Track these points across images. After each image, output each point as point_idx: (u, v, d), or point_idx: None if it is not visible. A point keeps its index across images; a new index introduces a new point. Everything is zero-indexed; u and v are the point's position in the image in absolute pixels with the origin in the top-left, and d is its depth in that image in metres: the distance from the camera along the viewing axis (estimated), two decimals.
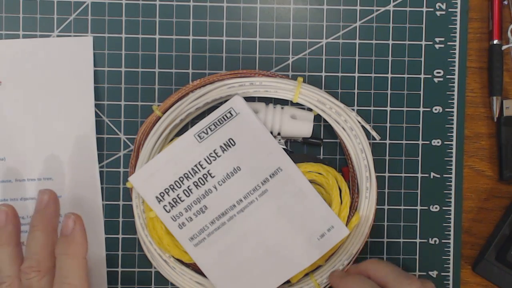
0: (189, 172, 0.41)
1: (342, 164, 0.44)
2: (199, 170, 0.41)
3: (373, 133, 0.43)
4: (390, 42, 0.44)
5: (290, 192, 0.41)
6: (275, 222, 0.41)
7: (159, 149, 0.42)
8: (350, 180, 0.43)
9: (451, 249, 0.45)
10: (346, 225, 0.42)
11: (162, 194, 0.41)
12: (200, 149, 0.41)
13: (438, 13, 0.44)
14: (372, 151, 0.43)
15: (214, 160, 0.41)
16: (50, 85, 0.43)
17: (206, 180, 0.41)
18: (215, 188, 0.41)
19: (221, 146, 0.41)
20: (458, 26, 0.44)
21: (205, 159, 0.41)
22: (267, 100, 0.43)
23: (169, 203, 0.41)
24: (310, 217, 0.41)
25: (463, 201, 0.45)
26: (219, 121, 0.41)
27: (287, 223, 0.41)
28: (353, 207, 0.42)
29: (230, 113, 0.41)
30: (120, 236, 0.44)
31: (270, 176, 0.41)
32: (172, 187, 0.41)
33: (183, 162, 0.41)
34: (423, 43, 0.44)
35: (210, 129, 0.41)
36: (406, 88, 0.44)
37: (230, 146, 0.41)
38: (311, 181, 0.42)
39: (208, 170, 0.41)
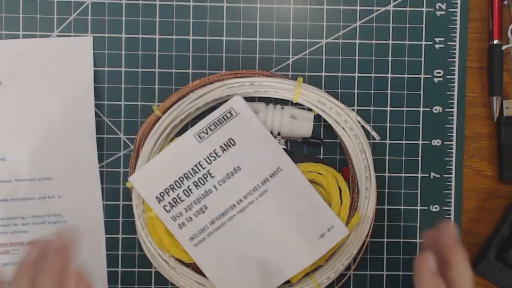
0: (189, 172, 0.41)
1: (342, 164, 0.44)
2: (199, 170, 0.41)
3: (373, 133, 0.43)
4: (390, 42, 0.44)
5: (290, 192, 0.41)
6: (275, 222, 0.41)
7: (159, 149, 0.42)
8: (350, 180, 0.43)
9: None
10: (346, 225, 0.42)
11: (162, 194, 0.41)
12: (200, 149, 0.41)
13: (438, 13, 0.44)
14: (372, 151, 0.43)
15: (214, 160, 0.41)
16: (50, 85, 0.43)
17: (206, 180, 0.41)
18: (215, 188, 0.41)
19: (221, 146, 0.41)
20: (458, 26, 0.44)
21: (205, 159, 0.41)
22: (267, 100, 0.43)
23: (169, 203, 0.41)
24: (310, 217, 0.41)
25: (463, 201, 0.45)
26: (219, 121, 0.41)
27: (287, 223, 0.41)
28: (353, 207, 0.42)
29: (230, 113, 0.41)
30: (120, 236, 0.44)
31: (270, 176, 0.41)
32: (172, 187, 0.41)
33: (183, 162, 0.41)
34: (423, 43, 0.44)
35: (210, 129, 0.41)
36: (406, 88, 0.44)
37: (230, 146, 0.41)
38: (311, 181, 0.42)
39: (208, 170, 0.41)
